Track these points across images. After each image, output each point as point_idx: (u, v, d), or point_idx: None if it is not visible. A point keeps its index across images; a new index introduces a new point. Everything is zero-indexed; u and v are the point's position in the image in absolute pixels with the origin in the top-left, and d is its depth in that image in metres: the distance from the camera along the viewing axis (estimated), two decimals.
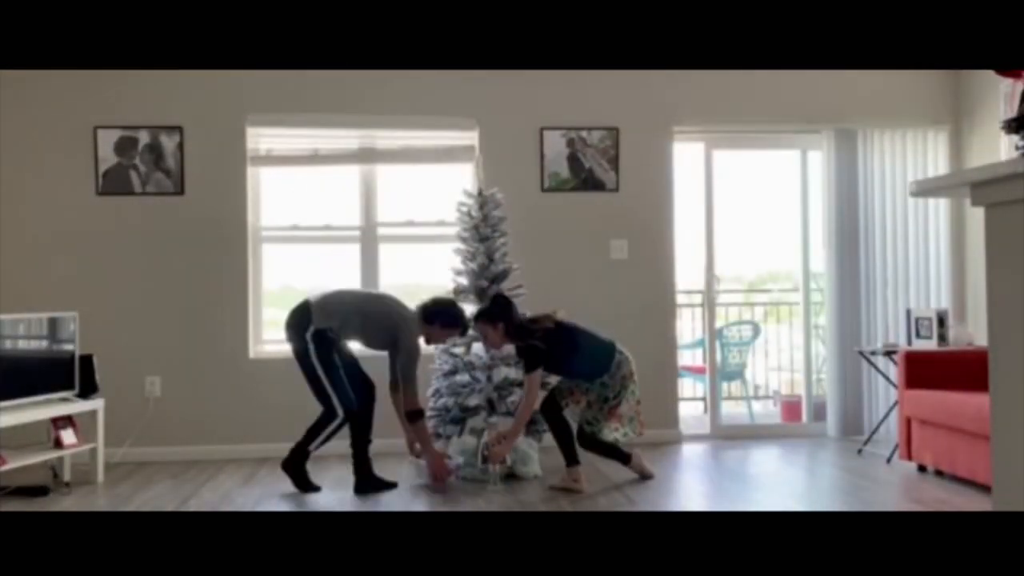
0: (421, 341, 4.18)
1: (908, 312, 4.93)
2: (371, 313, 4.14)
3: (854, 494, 3.97)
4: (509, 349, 4.43)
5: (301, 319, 4.09)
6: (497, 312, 4.12)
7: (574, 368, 4.13)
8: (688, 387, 6.91)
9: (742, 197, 6.38)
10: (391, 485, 4.17)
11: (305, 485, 4.11)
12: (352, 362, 4.26)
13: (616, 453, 4.24)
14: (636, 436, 4.18)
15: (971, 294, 5.39)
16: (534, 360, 4.04)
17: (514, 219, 4.65)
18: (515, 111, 5.26)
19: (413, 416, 4.09)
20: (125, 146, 5.00)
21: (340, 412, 4.03)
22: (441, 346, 4.51)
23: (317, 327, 4.04)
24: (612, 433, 4.13)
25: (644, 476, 4.28)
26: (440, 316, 4.16)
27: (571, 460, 4.11)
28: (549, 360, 4.07)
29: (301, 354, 4.07)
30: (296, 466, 4.11)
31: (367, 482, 4.12)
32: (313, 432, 4.09)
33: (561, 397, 4.16)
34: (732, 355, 6.57)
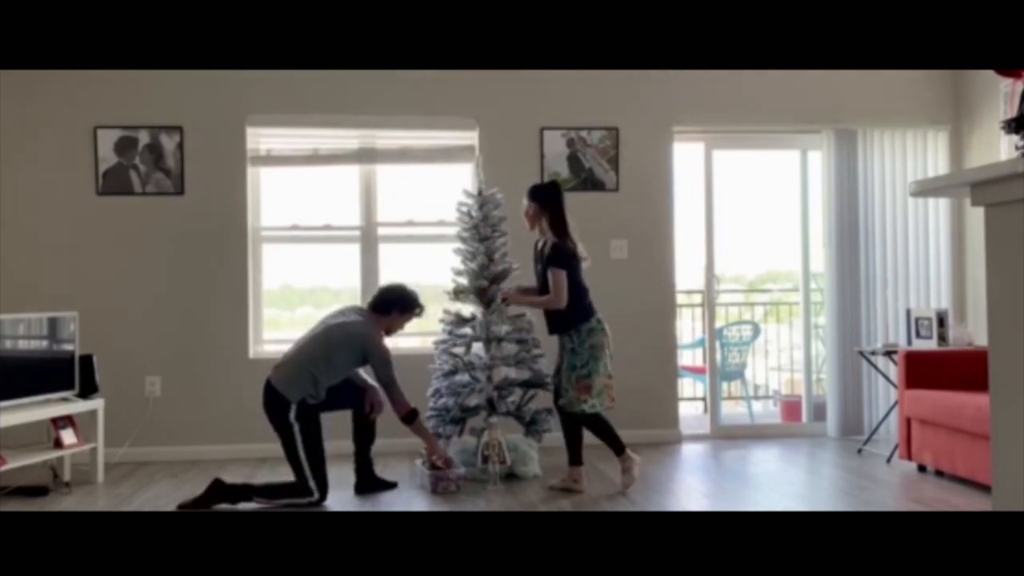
0: (384, 338, 4.06)
1: (908, 312, 4.93)
2: (331, 348, 3.93)
3: (854, 494, 3.97)
4: (510, 349, 4.44)
5: (276, 402, 3.86)
6: (536, 194, 4.17)
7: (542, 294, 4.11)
8: (688, 387, 6.92)
9: (742, 197, 6.38)
10: (391, 485, 4.17)
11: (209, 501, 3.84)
12: (351, 389, 4.13)
13: (611, 437, 4.08)
14: (603, 408, 4.06)
15: (971, 294, 5.39)
16: (557, 257, 4.04)
17: (514, 219, 4.65)
18: (515, 111, 5.26)
19: (408, 419, 4.00)
20: (125, 146, 5.00)
21: (317, 494, 3.82)
22: (442, 346, 4.51)
23: (296, 402, 3.84)
24: (580, 404, 3.99)
25: (625, 481, 4.09)
26: (395, 304, 4.09)
27: (575, 459, 4.10)
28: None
29: (284, 433, 3.85)
30: (228, 496, 3.82)
31: (368, 482, 4.12)
32: (276, 491, 3.86)
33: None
34: (732, 355, 6.56)
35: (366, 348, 3.95)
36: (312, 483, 3.83)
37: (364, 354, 3.97)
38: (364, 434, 4.16)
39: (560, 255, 4.04)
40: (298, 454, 3.83)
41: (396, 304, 4.10)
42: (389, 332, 4.14)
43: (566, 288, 4.01)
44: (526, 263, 4.61)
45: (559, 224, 4.10)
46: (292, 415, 3.83)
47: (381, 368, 3.96)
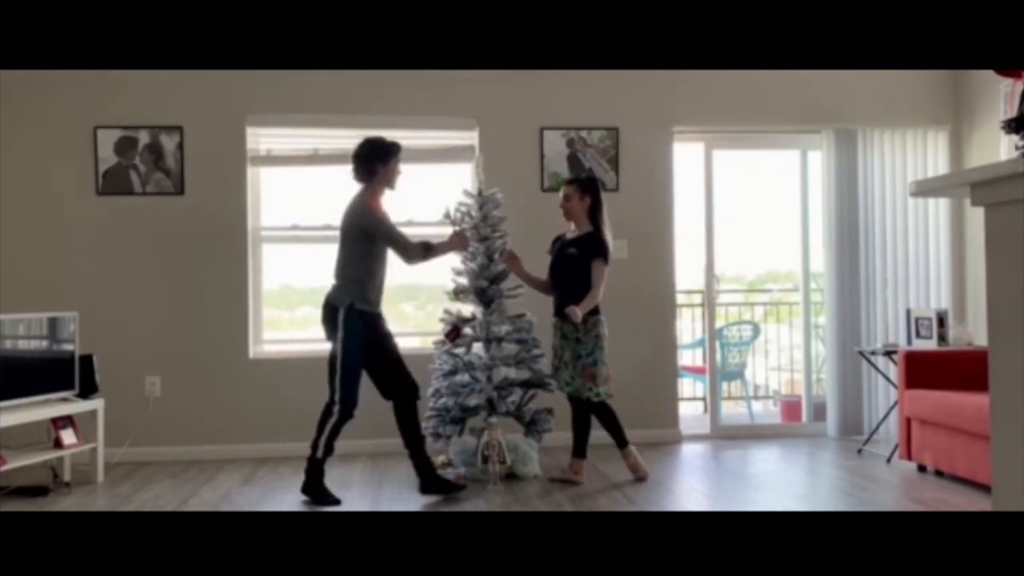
0: (383, 204, 4.02)
1: (908, 312, 4.93)
2: (344, 241, 4.00)
3: (854, 494, 3.97)
4: (510, 349, 4.45)
5: (328, 311, 3.95)
6: (592, 187, 4.27)
7: (566, 281, 4.21)
8: (688, 387, 6.92)
9: (742, 197, 6.38)
10: (460, 487, 4.05)
11: (324, 497, 3.92)
12: (396, 360, 4.05)
13: (616, 428, 4.24)
14: (607, 396, 4.18)
15: (971, 294, 5.39)
16: (603, 250, 4.17)
17: (514, 219, 4.65)
18: (515, 111, 5.26)
19: (426, 254, 4.02)
20: (125, 146, 5.00)
21: (337, 407, 3.86)
22: (442, 346, 4.50)
23: (344, 306, 3.88)
24: (587, 392, 4.15)
25: (637, 475, 4.27)
26: (373, 160, 3.97)
27: (579, 452, 4.20)
28: (578, 265, 4.17)
29: (335, 342, 3.91)
30: (314, 483, 3.93)
31: (432, 482, 4.01)
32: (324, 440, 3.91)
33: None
34: (732, 355, 6.57)
35: (360, 220, 3.93)
36: (338, 394, 3.84)
37: (363, 227, 3.93)
38: (411, 431, 4.01)
39: (606, 249, 4.18)
40: (335, 364, 3.86)
41: (373, 159, 3.99)
42: (391, 184, 4.07)
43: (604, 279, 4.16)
44: (526, 263, 4.61)
45: (600, 216, 4.24)
46: (340, 319, 3.86)
47: (378, 229, 3.92)
